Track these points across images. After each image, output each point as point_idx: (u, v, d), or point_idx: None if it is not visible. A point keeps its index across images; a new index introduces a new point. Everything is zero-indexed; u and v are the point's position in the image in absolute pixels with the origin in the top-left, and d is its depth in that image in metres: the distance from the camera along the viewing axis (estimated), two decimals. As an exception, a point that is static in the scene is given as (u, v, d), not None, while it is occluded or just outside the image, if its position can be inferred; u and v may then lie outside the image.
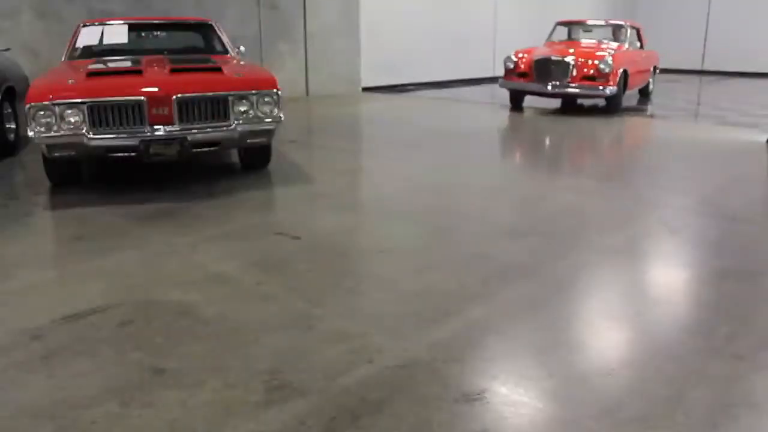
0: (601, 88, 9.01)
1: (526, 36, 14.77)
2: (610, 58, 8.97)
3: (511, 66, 9.57)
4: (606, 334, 2.71)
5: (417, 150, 6.71)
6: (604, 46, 10.09)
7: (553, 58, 9.21)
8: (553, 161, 6.46)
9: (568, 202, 4.68)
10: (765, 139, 7.14)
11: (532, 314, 2.84)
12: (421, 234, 3.96)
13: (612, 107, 9.36)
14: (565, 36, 10.99)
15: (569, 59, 9.14)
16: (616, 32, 10.61)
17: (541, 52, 9.55)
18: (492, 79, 15.03)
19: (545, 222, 4.28)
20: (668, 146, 6.97)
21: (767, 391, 2.24)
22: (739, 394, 2.20)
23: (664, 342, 2.58)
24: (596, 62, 9.02)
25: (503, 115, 9.53)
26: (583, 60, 9.16)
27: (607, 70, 8.94)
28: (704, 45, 17.49)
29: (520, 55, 9.59)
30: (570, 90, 9.18)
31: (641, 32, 10.98)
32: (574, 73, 9.09)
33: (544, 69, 9.21)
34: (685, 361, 2.41)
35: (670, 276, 3.38)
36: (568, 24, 10.97)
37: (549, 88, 9.19)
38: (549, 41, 10.57)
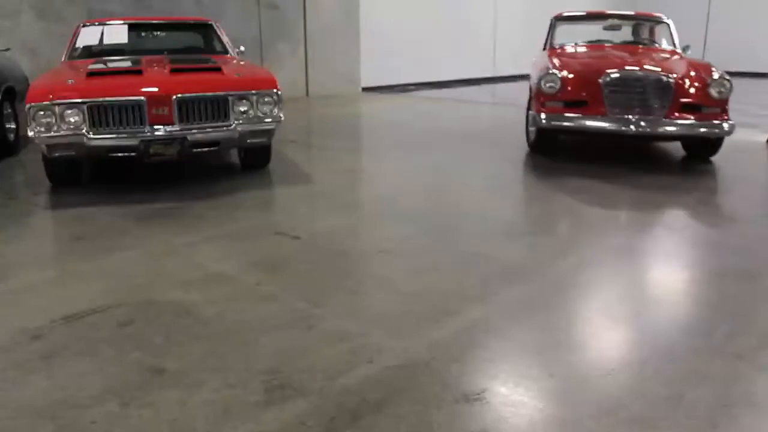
0: (722, 125, 5.58)
1: (527, 36, 14.79)
2: (718, 73, 5.72)
3: (555, 88, 5.78)
4: (606, 334, 2.71)
5: (417, 150, 6.71)
6: (658, 53, 6.75)
7: (641, 74, 5.65)
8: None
9: (569, 202, 4.68)
10: (765, 139, 7.14)
11: (532, 314, 2.84)
12: (420, 234, 3.96)
13: (714, 150, 6.09)
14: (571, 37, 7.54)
15: (653, 72, 5.66)
16: (642, 30, 7.62)
17: (602, 63, 6.00)
18: (491, 80, 15.07)
19: (545, 222, 4.28)
20: (668, 145, 6.97)
21: (767, 391, 2.24)
22: (739, 394, 2.20)
23: (664, 342, 2.58)
24: (708, 81, 5.66)
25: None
26: (682, 77, 5.71)
27: (725, 94, 5.65)
28: (704, 45, 17.50)
29: (566, 73, 5.86)
30: (674, 129, 5.59)
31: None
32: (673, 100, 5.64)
33: (626, 94, 5.66)
34: (685, 361, 2.41)
35: (669, 276, 3.38)
36: (579, 19, 7.68)
37: (633, 127, 5.56)
38: (554, 46, 7.21)
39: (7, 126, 6.35)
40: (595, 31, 8.83)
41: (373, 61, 12.21)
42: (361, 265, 3.56)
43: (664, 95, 5.61)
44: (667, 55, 6.63)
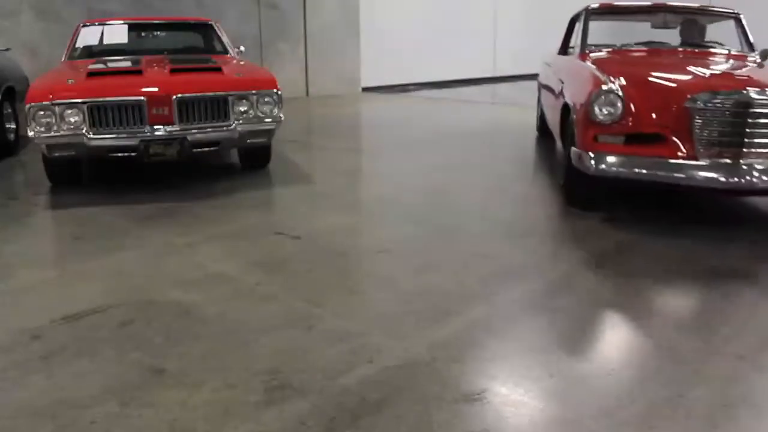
0: None
1: (527, 36, 14.80)
2: None
3: (615, 114, 3.90)
4: (606, 335, 2.71)
5: (417, 150, 6.71)
6: (739, 61, 4.91)
7: (750, 94, 3.67)
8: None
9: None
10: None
11: (532, 314, 2.84)
12: (421, 234, 3.96)
13: None
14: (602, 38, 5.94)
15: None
16: (693, 28, 5.59)
17: (681, 76, 4.18)
18: (491, 80, 15.07)
19: (545, 222, 4.27)
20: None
21: (767, 391, 2.24)
22: (739, 394, 2.20)
23: (664, 342, 2.58)
24: None
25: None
26: None
27: None
28: (704, 45, 17.47)
29: (631, 91, 3.95)
30: None
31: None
32: None
33: (728, 126, 3.70)
34: (685, 361, 2.41)
35: (670, 276, 3.38)
36: (619, 12, 6.00)
37: (743, 177, 3.66)
38: (588, 50, 5.27)
39: (7, 126, 6.36)
40: (610, 30, 7.21)
41: (373, 61, 12.21)
42: (361, 265, 3.56)
43: None
44: (752, 64, 4.81)
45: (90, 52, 5.93)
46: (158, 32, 6.58)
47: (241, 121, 4.88)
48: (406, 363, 2.40)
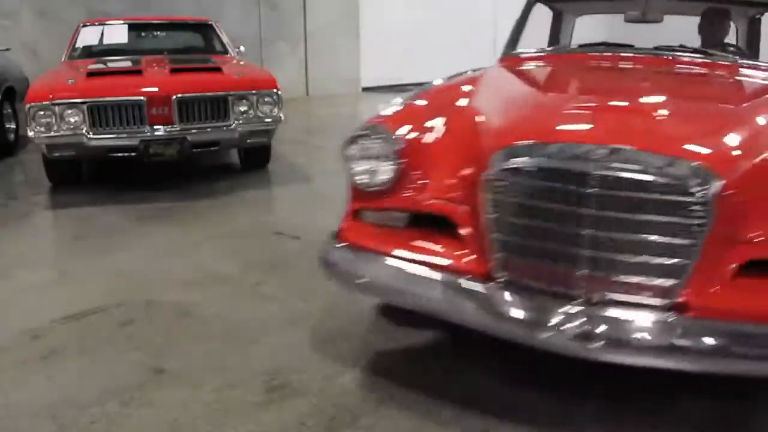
0: None
1: (527, 36, 14.80)
2: None
3: (381, 178, 2.14)
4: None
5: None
6: (728, 84, 2.79)
7: (589, 152, 1.76)
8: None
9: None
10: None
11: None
12: (421, 234, 3.96)
13: None
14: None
15: (639, 152, 1.75)
16: (720, 25, 3.29)
17: (523, 111, 2.31)
18: (492, 79, 15.07)
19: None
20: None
21: (767, 391, 2.24)
22: (739, 394, 2.20)
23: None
24: None
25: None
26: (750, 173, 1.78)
27: None
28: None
29: (414, 134, 2.17)
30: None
31: None
32: None
33: (556, 221, 1.79)
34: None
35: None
36: None
37: (553, 336, 1.77)
38: (509, 55, 3.43)
39: (7, 126, 6.36)
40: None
41: (373, 61, 12.20)
42: (361, 265, 3.55)
43: (682, 230, 1.71)
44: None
45: (90, 52, 5.93)
46: (158, 32, 6.57)
47: (241, 121, 4.88)
48: (406, 362, 2.40)
